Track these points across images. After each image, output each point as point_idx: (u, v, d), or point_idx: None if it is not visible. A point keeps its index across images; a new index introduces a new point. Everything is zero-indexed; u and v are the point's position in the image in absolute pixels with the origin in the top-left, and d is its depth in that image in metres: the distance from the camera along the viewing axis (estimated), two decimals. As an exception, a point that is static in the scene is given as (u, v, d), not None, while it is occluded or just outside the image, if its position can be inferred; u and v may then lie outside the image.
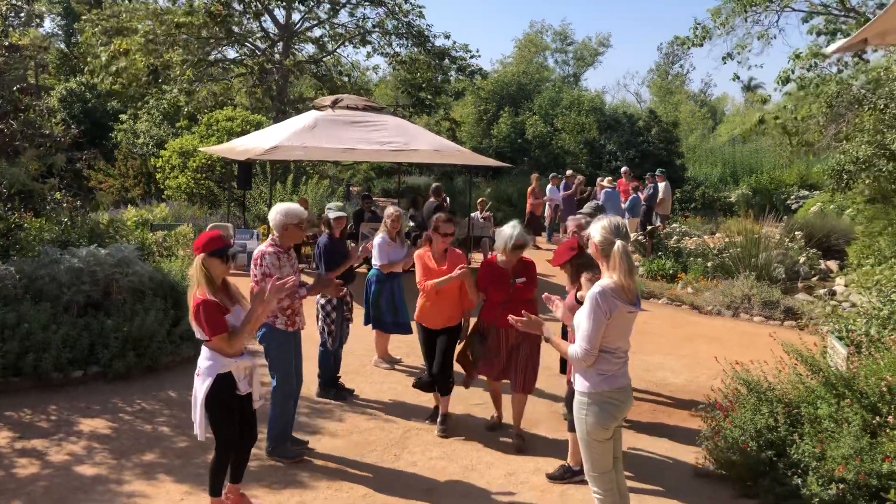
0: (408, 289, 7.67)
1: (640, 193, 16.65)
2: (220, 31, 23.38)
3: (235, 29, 24.47)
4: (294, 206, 5.63)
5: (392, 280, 7.77)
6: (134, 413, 6.45)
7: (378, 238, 7.73)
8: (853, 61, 15.66)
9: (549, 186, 18.07)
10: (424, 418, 6.47)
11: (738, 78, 21.67)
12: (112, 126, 23.65)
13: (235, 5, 24.05)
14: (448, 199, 14.61)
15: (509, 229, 5.82)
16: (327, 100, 14.23)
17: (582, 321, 4.00)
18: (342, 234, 7.17)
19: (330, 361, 7.01)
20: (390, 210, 7.90)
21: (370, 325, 7.84)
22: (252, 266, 5.41)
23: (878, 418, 4.96)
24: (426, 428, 6.31)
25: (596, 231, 4.10)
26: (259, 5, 24.72)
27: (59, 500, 4.87)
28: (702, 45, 17.34)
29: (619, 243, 3.95)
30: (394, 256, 7.71)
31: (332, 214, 7.00)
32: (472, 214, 14.59)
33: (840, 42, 4.79)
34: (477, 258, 14.65)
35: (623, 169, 18.17)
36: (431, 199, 13.46)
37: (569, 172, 18.14)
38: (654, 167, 18.28)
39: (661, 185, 16.81)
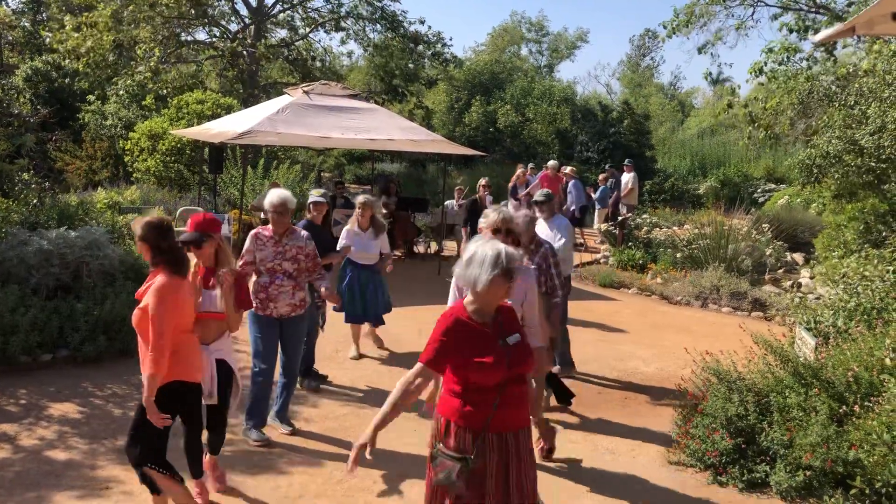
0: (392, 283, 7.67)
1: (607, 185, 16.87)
2: (192, 10, 23.02)
3: (206, 10, 24.12)
4: (274, 193, 5.59)
5: (360, 270, 7.68)
6: (105, 397, 6.39)
7: (347, 225, 7.76)
8: (822, 58, 15.89)
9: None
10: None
11: (710, 74, 22.01)
12: (79, 107, 23.23)
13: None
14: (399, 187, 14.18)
15: (490, 249, 3.29)
16: (301, 85, 14.11)
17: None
18: (324, 222, 7.02)
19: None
20: (359, 198, 7.82)
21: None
22: None
23: (844, 407, 5.09)
24: (403, 413, 6.30)
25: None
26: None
27: (30, 485, 4.82)
28: (687, 26, 17.39)
29: None
30: (359, 246, 7.56)
31: (310, 199, 6.89)
32: (447, 202, 14.59)
33: (829, 30, 4.86)
34: (450, 248, 14.68)
35: (550, 163, 18.15)
36: (477, 196, 12.15)
37: (550, 163, 18.17)
38: (625, 158, 18.40)
39: (630, 176, 16.90)
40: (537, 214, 7.33)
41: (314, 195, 6.91)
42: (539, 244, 5.87)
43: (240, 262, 5.51)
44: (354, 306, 7.67)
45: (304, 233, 5.77)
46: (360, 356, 7.90)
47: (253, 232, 5.65)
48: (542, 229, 7.21)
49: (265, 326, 5.61)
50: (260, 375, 5.61)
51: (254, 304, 5.47)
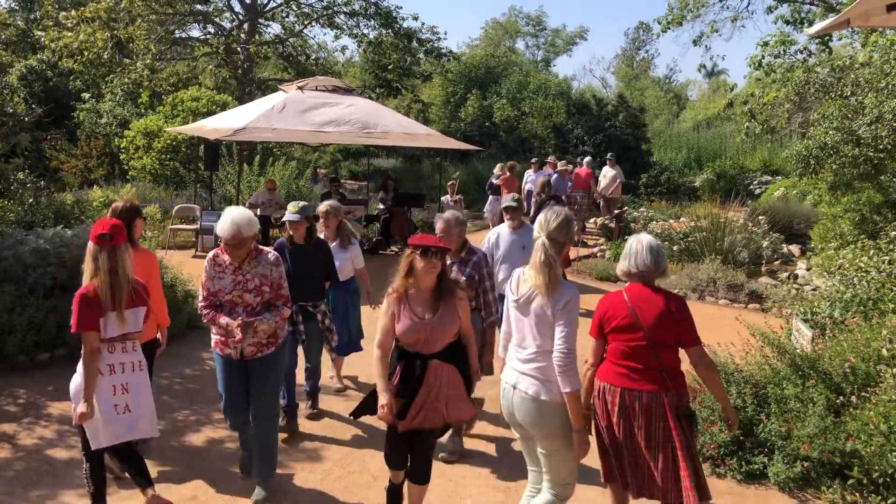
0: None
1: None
2: (187, 6, 22.97)
3: (200, 7, 24.06)
4: (226, 219, 4.39)
5: (332, 290, 6.41)
6: (104, 396, 6.38)
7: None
8: (818, 49, 15.95)
9: (527, 172, 18.03)
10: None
11: (704, 67, 22.09)
12: (74, 105, 23.20)
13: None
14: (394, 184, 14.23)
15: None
16: (296, 81, 14.11)
17: None
18: (308, 242, 5.75)
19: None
20: (321, 207, 6.53)
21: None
22: None
23: (841, 398, 5.12)
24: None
25: None
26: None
27: (31, 484, 4.82)
28: (681, 24, 17.44)
29: None
30: None
31: (286, 217, 5.69)
32: (443, 198, 14.61)
33: (823, 22, 4.87)
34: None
35: (586, 159, 18.16)
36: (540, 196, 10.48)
37: (550, 159, 18.15)
38: (622, 152, 18.41)
39: (615, 171, 16.84)
40: (506, 222, 6.25)
41: (290, 212, 5.64)
42: (472, 251, 5.16)
43: (202, 293, 4.64)
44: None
45: (271, 255, 4.61)
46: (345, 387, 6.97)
47: (211, 254, 4.61)
48: (511, 241, 6.11)
49: (226, 369, 4.72)
50: (230, 423, 4.94)
51: (216, 341, 4.73)
